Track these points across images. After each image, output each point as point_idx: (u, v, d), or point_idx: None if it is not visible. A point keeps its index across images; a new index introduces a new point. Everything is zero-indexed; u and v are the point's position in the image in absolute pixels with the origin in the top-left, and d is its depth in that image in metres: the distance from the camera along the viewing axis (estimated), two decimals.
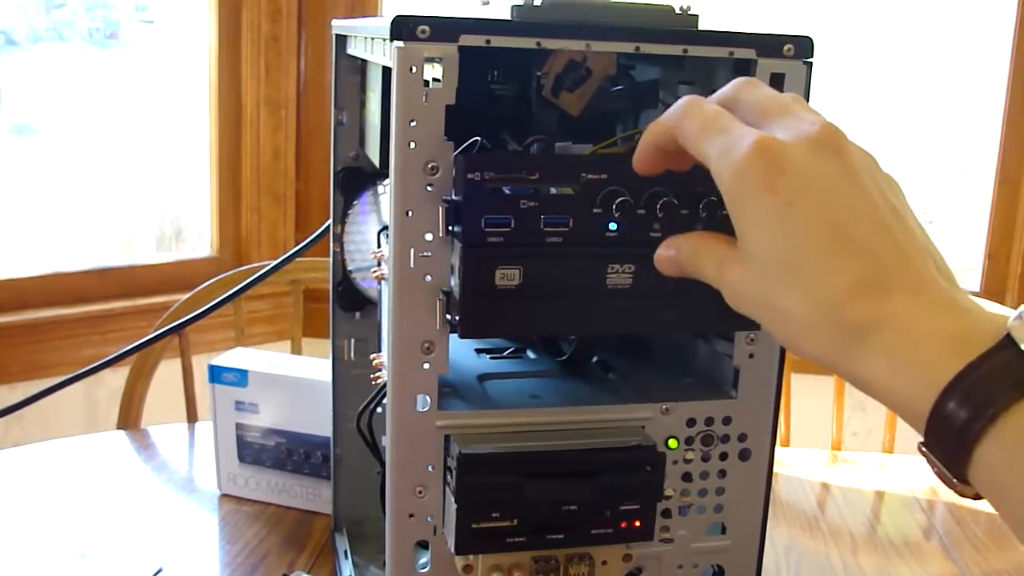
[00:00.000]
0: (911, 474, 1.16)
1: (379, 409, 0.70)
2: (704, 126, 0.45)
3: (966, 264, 2.00)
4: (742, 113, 0.46)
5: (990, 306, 0.43)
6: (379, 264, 0.68)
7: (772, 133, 0.44)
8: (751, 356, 0.63)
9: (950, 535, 1.01)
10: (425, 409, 0.59)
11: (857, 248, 0.41)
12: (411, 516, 0.60)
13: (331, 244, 0.83)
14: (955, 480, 0.39)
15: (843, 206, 0.42)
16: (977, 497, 0.39)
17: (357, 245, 0.82)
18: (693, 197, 0.56)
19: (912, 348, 0.40)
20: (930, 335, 0.39)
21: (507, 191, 0.55)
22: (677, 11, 0.59)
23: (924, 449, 0.40)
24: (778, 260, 0.43)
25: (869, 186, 0.43)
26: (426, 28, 0.54)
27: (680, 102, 0.47)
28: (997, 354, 0.38)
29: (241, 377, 0.97)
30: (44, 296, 1.80)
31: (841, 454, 1.25)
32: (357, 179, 0.81)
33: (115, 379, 1.52)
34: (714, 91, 0.49)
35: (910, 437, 0.43)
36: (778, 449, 0.70)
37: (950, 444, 0.38)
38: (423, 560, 0.62)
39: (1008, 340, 0.38)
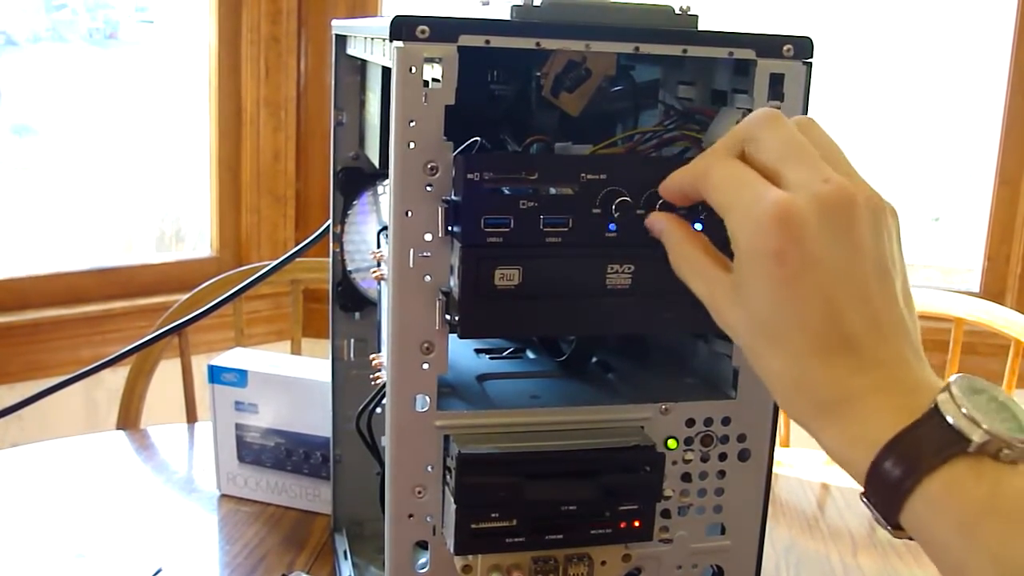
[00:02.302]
0: None
1: (378, 409, 0.70)
2: (728, 183, 0.49)
3: (966, 265, 2.00)
4: (761, 152, 0.49)
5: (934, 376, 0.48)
6: (378, 264, 0.68)
7: (787, 182, 0.47)
8: None
9: None
10: (424, 409, 0.59)
11: (843, 337, 0.46)
12: (410, 516, 0.60)
13: (331, 244, 0.83)
14: (890, 526, 0.45)
15: (840, 288, 0.46)
16: (910, 539, 0.45)
17: (357, 245, 0.82)
18: None
19: (862, 420, 0.45)
20: (878, 409, 0.45)
21: (506, 191, 0.55)
22: (677, 11, 0.59)
23: (864, 499, 0.46)
24: (770, 322, 0.47)
25: (867, 260, 0.47)
26: (425, 28, 0.54)
27: (701, 155, 0.51)
28: (925, 423, 0.44)
29: (241, 377, 0.97)
30: (44, 296, 1.80)
31: None
32: (357, 179, 0.81)
33: (115, 379, 1.52)
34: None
35: None
36: (778, 449, 0.70)
37: (886, 497, 0.44)
38: (422, 560, 0.62)
39: (935, 410, 0.44)
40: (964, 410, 0.43)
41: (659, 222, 0.54)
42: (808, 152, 0.48)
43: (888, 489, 0.44)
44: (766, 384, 0.49)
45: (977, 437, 0.43)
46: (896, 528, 0.45)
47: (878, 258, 0.47)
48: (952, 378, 0.45)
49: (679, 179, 0.53)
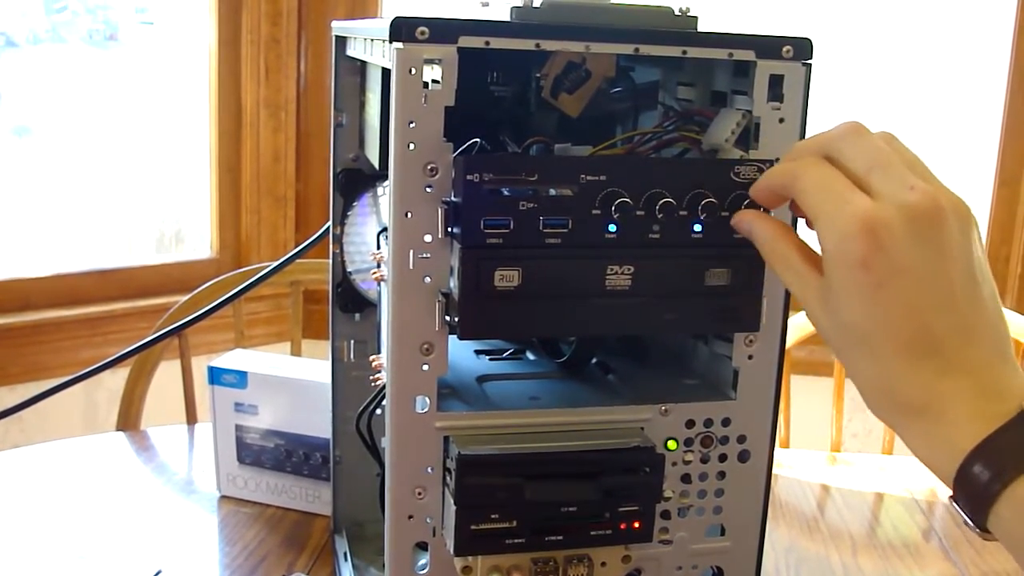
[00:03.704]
0: (911, 476, 1.16)
1: (378, 410, 0.70)
2: (819, 187, 0.49)
3: None
4: (847, 161, 0.50)
5: None
6: (378, 265, 0.68)
7: (874, 191, 0.48)
8: (750, 357, 0.63)
9: (950, 536, 1.01)
10: (424, 410, 0.59)
11: (929, 341, 0.47)
12: (410, 517, 0.60)
13: (331, 246, 0.83)
14: (979, 529, 0.46)
15: (926, 295, 0.47)
16: (996, 540, 0.46)
17: (357, 247, 0.82)
18: (692, 199, 0.56)
19: (948, 424, 0.47)
20: (965, 414, 0.46)
21: (506, 192, 0.55)
22: (676, 13, 0.59)
23: (953, 502, 0.47)
24: (858, 327, 0.48)
25: (952, 266, 0.48)
26: (425, 30, 0.54)
27: (798, 163, 0.51)
28: (1014, 427, 0.45)
29: (240, 379, 0.97)
30: (44, 297, 1.80)
31: (841, 455, 1.25)
32: (357, 180, 0.81)
33: (115, 380, 1.52)
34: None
35: None
36: (777, 450, 0.70)
37: (973, 500, 0.46)
38: (422, 561, 0.62)
39: (1022, 415, 0.45)
40: None
41: (746, 221, 0.55)
42: (894, 162, 0.49)
43: (976, 493, 0.45)
44: (855, 384, 0.50)
45: None
46: (984, 531, 0.46)
47: (965, 265, 0.48)
48: None
49: (770, 179, 0.53)
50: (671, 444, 0.63)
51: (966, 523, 0.47)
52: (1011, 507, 0.44)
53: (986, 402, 0.46)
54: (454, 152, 0.56)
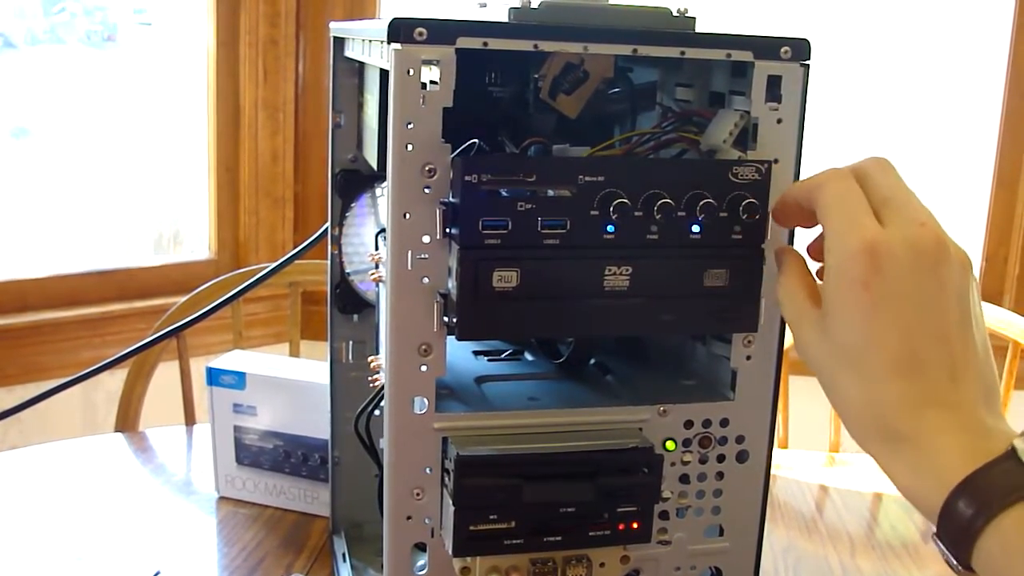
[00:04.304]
0: None
1: (377, 411, 0.70)
2: (837, 200, 0.51)
3: None
4: (870, 187, 0.51)
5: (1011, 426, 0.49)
6: (377, 266, 0.68)
7: (887, 221, 0.50)
8: (748, 358, 0.63)
9: None
10: (423, 411, 0.59)
11: (917, 365, 0.48)
12: (409, 518, 0.60)
13: (329, 246, 0.83)
14: (961, 568, 0.46)
15: (920, 322, 0.48)
16: None
17: (355, 247, 0.82)
18: (690, 199, 0.56)
19: (934, 457, 0.47)
20: (951, 448, 0.47)
21: (504, 193, 0.55)
22: (674, 13, 0.59)
23: (936, 539, 0.47)
24: (850, 347, 0.49)
25: (948, 302, 0.49)
26: (423, 30, 0.54)
27: (826, 172, 0.53)
28: (1000, 464, 0.45)
29: (239, 379, 0.97)
30: (42, 298, 1.80)
31: (839, 456, 1.25)
32: (355, 181, 0.81)
33: (113, 382, 1.52)
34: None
35: None
36: (776, 451, 0.70)
37: (957, 536, 0.45)
38: (421, 562, 0.62)
39: (1012, 452, 0.45)
40: None
41: (783, 254, 0.57)
42: (913, 200, 0.51)
43: (960, 529, 0.45)
44: (840, 412, 0.50)
45: None
46: (967, 569, 0.46)
47: (961, 306, 0.49)
48: None
49: (796, 189, 0.55)
50: (669, 444, 0.63)
51: (947, 562, 0.47)
52: (996, 541, 0.44)
53: (971, 438, 0.47)
54: (452, 153, 0.56)
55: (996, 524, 0.44)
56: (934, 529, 0.47)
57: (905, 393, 0.48)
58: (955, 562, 0.46)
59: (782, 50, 0.59)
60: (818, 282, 0.54)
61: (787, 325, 0.55)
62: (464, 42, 0.55)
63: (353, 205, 0.81)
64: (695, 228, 0.57)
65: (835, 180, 0.52)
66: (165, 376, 1.39)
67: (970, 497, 0.45)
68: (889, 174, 0.52)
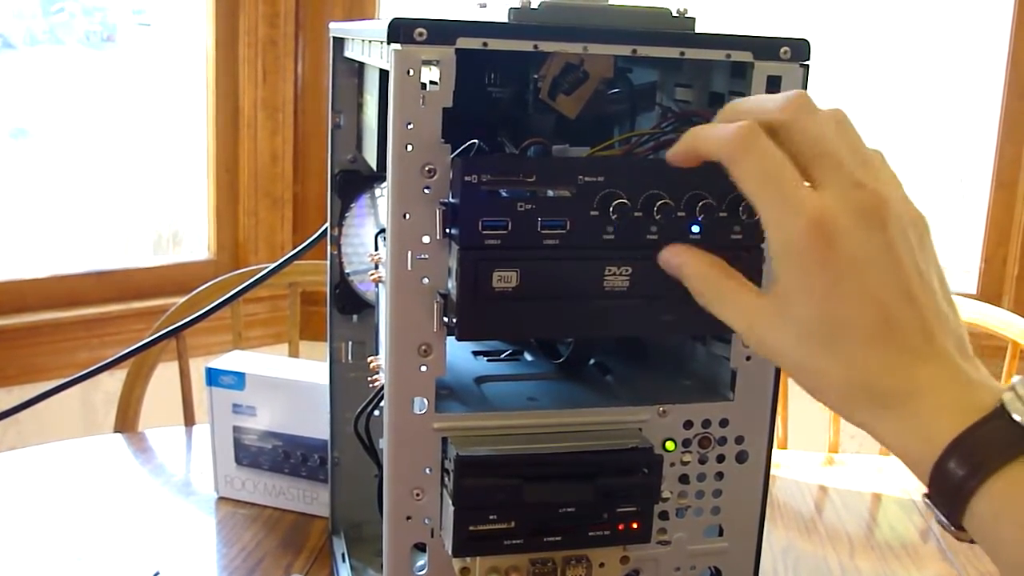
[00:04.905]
0: (908, 477, 1.15)
1: (376, 412, 0.70)
2: (764, 177, 0.48)
3: (963, 267, 2.00)
4: (793, 143, 0.48)
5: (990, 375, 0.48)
6: (376, 267, 0.68)
7: (821, 184, 0.47)
8: (748, 358, 0.63)
9: (947, 537, 1.01)
10: (422, 411, 0.59)
11: (892, 328, 0.46)
12: (408, 519, 0.60)
13: (328, 247, 0.83)
14: (953, 527, 0.45)
15: (883, 285, 0.46)
16: (972, 541, 0.45)
17: (355, 248, 0.82)
18: (690, 200, 0.56)
19: (924, 416, 0.46)
20: (940, 406, 0.45)
21: (504, 193, 0.55)
22: (674, 14, 0.59)
23: (927, 499, 0.46)
24: (821, 328, 0.47)
25: (904, 259, 0.47)
26: (423, 31, 0.54)
27: (737, 128, 0.48)
28: (991, 422, 0.44)
29: (238, 380, 0.97)
30: (41, 299, 1.80)
31: (838, 456, 1.25)
32: (354, 182, 0.81)
33: (112, 382, 1.52)
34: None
35: None
36: (775, 451, 0.70)
37: (949, 497, 0.44)
38: (420, 563, 0.62)
39: (1001, 410, 0.44)
40: None
41: (674, 257, 0.54)
42: (841, 154, 0.48)
43: (952, 489, 0.44)
44: (821, 396, 0.49)
45: None
46: (959, 529, 0.45)
47: (916, 260, 0.48)
48: (1015, 379, 0.45)
49: (700, 145, 0.51)
50: (669, 445, 0.63)
51: (940, 521, 0.46)
52: (988, 503, 0.43)
53: (960, 393, 0.45)
54: (452, 153, 0.56)
55: (988, 486, 0.43)
56: (925, 489, 0.46)
57: (886, 357, 0.46)
58: (947, 522, 0.45)
59: (782, 50, 0.59)
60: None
61: (731, 325, 0.51)
62: (464, 42, 0.55)
63: (353, 205, 0.81)
64: (695, 228, 0.57)
65: (753, 149, 0.48)
66: (164, 377, 1.39)
67: (961, 457, 0.44)
68: (812, 120, 0.48)
